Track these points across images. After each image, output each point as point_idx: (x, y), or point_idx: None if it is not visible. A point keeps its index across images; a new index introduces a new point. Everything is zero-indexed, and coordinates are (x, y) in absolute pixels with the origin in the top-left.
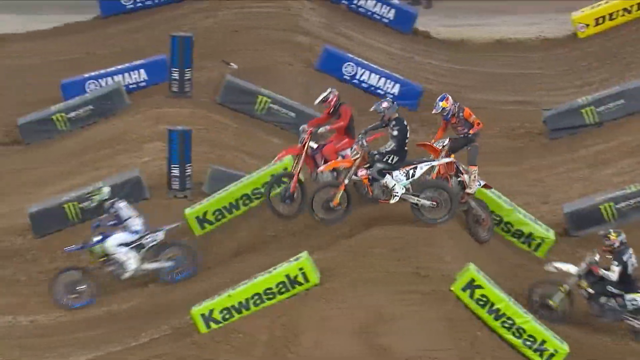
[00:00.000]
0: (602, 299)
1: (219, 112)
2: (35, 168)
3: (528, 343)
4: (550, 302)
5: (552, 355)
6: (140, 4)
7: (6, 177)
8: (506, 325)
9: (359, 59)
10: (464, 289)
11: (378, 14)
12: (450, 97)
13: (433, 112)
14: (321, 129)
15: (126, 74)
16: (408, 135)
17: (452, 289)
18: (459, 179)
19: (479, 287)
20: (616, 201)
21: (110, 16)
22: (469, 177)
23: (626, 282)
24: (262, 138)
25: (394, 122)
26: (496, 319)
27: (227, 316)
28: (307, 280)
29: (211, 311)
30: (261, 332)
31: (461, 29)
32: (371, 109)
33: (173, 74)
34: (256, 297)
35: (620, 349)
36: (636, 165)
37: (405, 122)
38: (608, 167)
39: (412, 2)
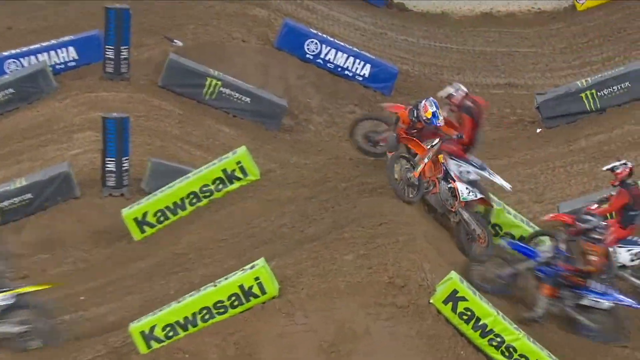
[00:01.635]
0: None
1: (161, 96)
2: None
3: None
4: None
5: None
6: None
7: None
8: (494, 343)
9: (324, 36)
10: (445, 302)
11: None
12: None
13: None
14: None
15: (53, 52)
16: None
17: (432, 301)
18: (449, 185)
19: (463, 299)
20: None
21: None
22: (462, 185)
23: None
24: (211, 127)
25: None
26: (483, 335)
27: (171, 333)
28: (264, 291)
29: (153, 328)
30: (211, 352)
31: (442, 1)
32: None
33: (108, 53)
34: (205, 311)
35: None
36: None
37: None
38: (611, 159)
39: None
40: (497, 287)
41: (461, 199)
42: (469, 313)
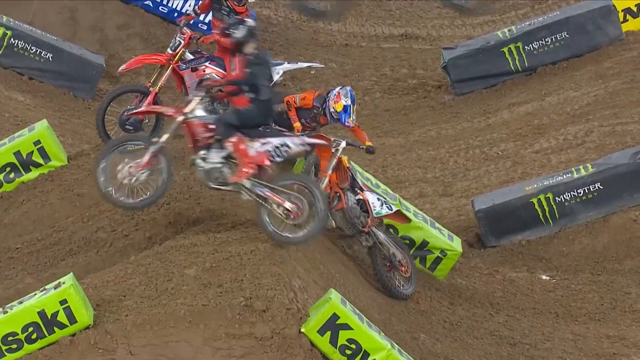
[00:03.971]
0: None
1: None
2: None
3: None
4: None
5: None
6: None
7: None
8: None
9: None
10: (322, 331)
11: None
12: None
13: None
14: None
15: None
16: None
17: (303, 330)
18: (357, 196)
19: (346, 327)
20: (557, 191)
21: None
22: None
23: None
24: None
25: None
26: None
27: None
28: (73, 320)
29: None
30: None
31: None
32: None
33: None
34: None
35: None
36: (587, 134)
37: None
38: (543, 137)
39: None
40: None
41: (374, 214)
42: (353, 346)
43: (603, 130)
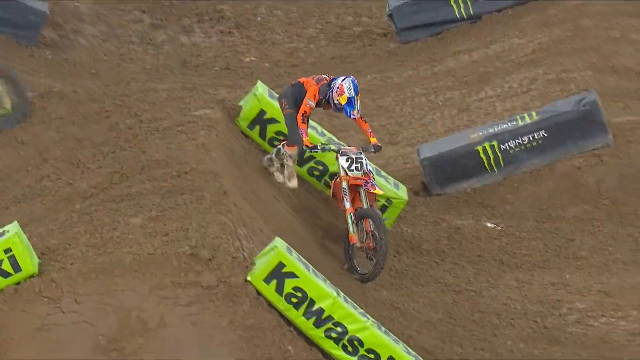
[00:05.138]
0: None
1: None
2: None
3: None
4: None
5: None
6: None
7: None
8: (333, 334)
9: None
10: (268, 280)
11: None
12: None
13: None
14: None
15: None
16: None
17: (249, 279)
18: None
19: (292, 275)
20: (502, 139)
21: None
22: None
23: None
24: None
25: None
26: (318, 325)
27: None
28: (17, 268)
29: None
30: None
31: None
32: None
33: None
34: None
35: None
36: (532, 82)
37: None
38: (489, 85)
39: None
40: None
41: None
42: (299, 294)
43: (548, 78)
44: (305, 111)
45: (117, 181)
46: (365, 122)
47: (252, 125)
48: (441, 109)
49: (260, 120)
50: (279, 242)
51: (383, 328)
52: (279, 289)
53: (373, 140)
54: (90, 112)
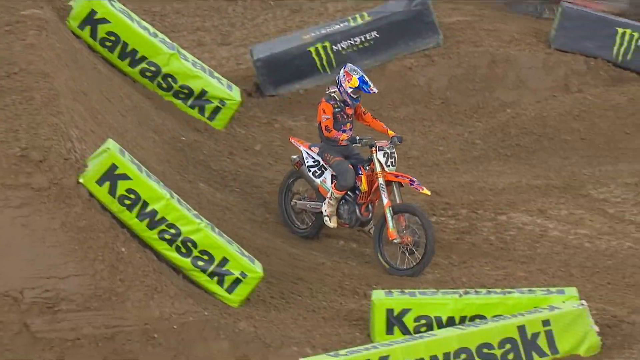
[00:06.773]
0: None
1: None
2: None
3: (200, 263)
4: None
5: (237, 281)
6: None
7: None
8: (167, 236)
9: None
10: (100, 182)
11: None
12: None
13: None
14: None
15: None
16: None
17: (81, 181)
18: None
19: (125, 177)
20: (334, 40)
21: None
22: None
23: None
24: None
25: None
26: (151, 227)
27: None
28: None
29: None
30: None
31: None
32: None
33: None
34: None
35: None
36: None
37: None
38: None
39: None
40: None
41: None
42: (132, 196)
43: None
44: (327, 125)
45: None
46: (375, 118)
47: (82, 25)
48: (274, 10)
49: (91, 20)
50: (111, 144)
51: (217, 230)
52: (112, 191)
53: (391, 133)
54: None
